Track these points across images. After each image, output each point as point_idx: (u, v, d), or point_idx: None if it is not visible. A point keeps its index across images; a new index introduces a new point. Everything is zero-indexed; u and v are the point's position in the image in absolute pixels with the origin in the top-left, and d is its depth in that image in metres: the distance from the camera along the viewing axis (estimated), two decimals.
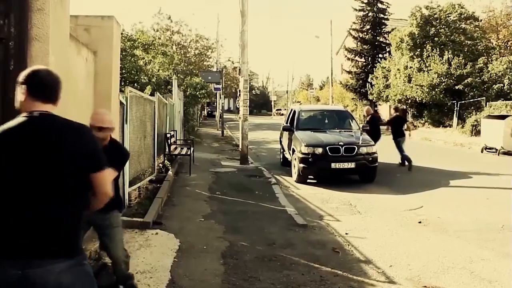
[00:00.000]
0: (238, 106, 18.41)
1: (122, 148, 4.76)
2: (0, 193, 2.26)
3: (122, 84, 10.47)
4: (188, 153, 13.65)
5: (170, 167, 12.47)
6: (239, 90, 16.59)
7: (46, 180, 2.28)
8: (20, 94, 2.43)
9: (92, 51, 6.22)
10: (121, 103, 7.30)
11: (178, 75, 22.87)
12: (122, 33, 17.24)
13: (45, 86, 2.47)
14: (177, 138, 16.64)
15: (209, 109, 60.29)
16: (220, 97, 36.11)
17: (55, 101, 2.49)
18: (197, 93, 25.83)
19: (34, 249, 2.23)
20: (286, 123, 14.47)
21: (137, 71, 14.91)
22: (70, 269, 2.29)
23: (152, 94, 11.79)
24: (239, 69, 15.81)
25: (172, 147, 13.87)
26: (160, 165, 12.38)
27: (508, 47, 32.60)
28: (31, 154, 2.27)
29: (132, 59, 14.79)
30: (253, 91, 78.19)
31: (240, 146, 15.64)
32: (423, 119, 33.12)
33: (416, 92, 30.75)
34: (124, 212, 7.36)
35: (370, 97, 37.98)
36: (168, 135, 13.52)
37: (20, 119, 2.35)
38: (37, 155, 2.27)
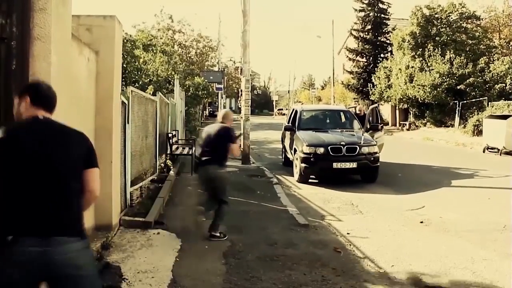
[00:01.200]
0: (239, 106, 18.39)
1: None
2: (24, 180, 2.53)
3: (124, 84, 10.49)
4: (190, 152, 13.65)
5: (172, 167, 12.47)
6: (241, 90, 16.58)
7: (62, 169, 2.63)
8: (22, 102, 2.76)
9: (94, 50, 6.22)
10: (122, 102, 7.30)
11: (180, 74, 22.87)
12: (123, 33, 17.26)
13: (48, 97, 2.82)
14: (179, 138, 16.65)
15: (210, 109, 60.29)
16: (222, 97, 36.09)
17: (53, 111, 2.83)
18: (199, 92, 25.85)
19: (54, 227, 2.51)
20: (288, 123, 14.45)
21: (138, 71, 14.92)
22: (83, 249, 2.60)
23: (154, 94, 11.80)
24: (241, 69, 15.81)
25: (174, 147, 13.86)
26: (162, 164, 12.38)
27: (510, 47, 32.53)
28: (46, 149, 2.61)
29: (133, 59, 14.80)
30: (254, 91, 78.30)
31: (242, 146, 15.63)
32: (425, 119, 33.10)
33: (418, 92, 30.71)
34: (125, 212, 7.41)
35: (372, 97, 37.94)
36: (170, 135, 13.53)
37: (30, 120, 2.71)
38: (50, 151, 2.62)
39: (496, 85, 27.67)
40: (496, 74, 28.08)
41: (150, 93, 11.82)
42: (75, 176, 2.68)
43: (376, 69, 38.20)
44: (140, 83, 14.89)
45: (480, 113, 25.87)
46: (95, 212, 6.25)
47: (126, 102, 7.57)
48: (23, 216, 2.48)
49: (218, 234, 6.61)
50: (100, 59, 6.36)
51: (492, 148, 18.26)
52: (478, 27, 32.28)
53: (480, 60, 29.53)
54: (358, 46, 43.62)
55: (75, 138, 2.79)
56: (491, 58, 30.13)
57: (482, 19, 33.26)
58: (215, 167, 6.72)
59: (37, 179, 2.55)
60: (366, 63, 43.13)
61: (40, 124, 2.69)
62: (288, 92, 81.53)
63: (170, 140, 13.38)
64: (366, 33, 43.34)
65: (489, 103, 26.42)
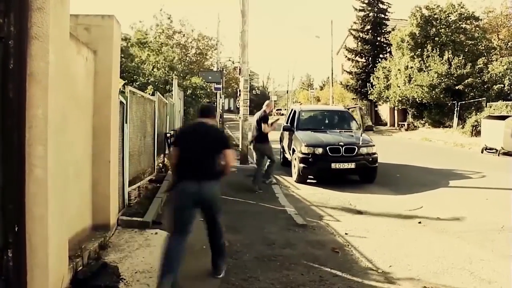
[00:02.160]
0: (238, 106, 18.39)
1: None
2: (190, 152, 4.96)
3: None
4: None
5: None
6: (239, 90, 16.60)
7: (210, 147, 5.02)
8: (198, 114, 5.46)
9: (92, 50, 6.21)
10: (121, 102, 7.30)
11: (178, 74, 22.87)
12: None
13: (203, 111, 5.42)
14: None
15: None
16: (221, 97, 36.03)
17: (209, 117, 5.32)
18: (197, 92, 25.84)
19: (204, 176, 4.91)
20: (287, 123, 14.44)
21: (136, 71, 14.93)
22: (217, 187, 5.07)
23: (152, 94, 11.78)
24: (239, 69, 15.80)
25: None
26: (160, 164, 12.38)
27: (508, 48, 32.57)
28: (203, 136, 5.08)
29: (130, 58, 14.80)
30: (253, 91, 78.33)
31: (240, 146, 15.64)
32: (424, 119, 33.13)
33: (417, 92, 30.75)
34: (123, 211, 7.40)
35: (370, 97, 37.99)
36: (168, 135, 13.49)
37: (199, 123, 5.30)
38: (205, 137, 5.07)
39: (494, 86, 27.71)
40: (494, 75, 28.12)
41: (149, 93, 11.81)
42: (215, 152, 5.04)
43: (375, 69, 38.24)
44: (138, 82, 14.90)
45: (478, 113, 25.91)
46: (93, 212, 6.25)
47: (124, 101, 7.57)
48: (189, 170, 4.91)
49: (269, 181, 11.19)
50: (98, 58, 6.35)
51: (490, 149, 18.28)
52: (477, 28, 32.31)
53: (478, 60, 29.57)
54: (357, 46, 43.65)
55: (214, 132, 5.25)
56: (489, 59, 30.17)
57: (481, 20, 33.29)
58: (259, 143, 10.95)
59: (196, 152, 4.96)
60: (365, 63, 43.16)
61: (200, 124, 5.25)
62: (287, 92, 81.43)
63: (169, 140, 13.33)
64: (366, 33, 43.37)
65: (488, 103, 26.48)
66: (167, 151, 13.22)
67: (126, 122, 7.68)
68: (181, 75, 25.03)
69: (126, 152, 7.72)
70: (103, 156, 6.33)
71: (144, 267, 5.32)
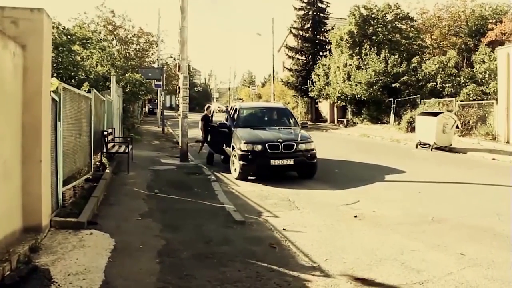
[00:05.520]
0: (178, 103, 18.16)
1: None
2: None
3: (59, 80, 10.13)
4: (126, 151, 13.38)
5: (108, 166, 12.18)
6: (179, 87, 16.43)
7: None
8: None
9: (20, 45, 5.97)
10: (53, 99, 7.05)
11: (118, 70, 22.36)
12: (59, 27, 16.69)
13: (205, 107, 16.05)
14: (116, 136, 16.28)
15: (150, 106, 59.50)
16: (161, 94, 35.60)
17: (205, 110, 15.25)
18: (137, 89, 25.38)
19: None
20: (226, 120, 14.45)
21: (74, 67, 14.48)
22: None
23: (88, 91, 11.47)
24: (179, 66, 15.65)
25: (110, 145, 13.53)
26: (98, 163, 12.07)
27: (440, 47, 33.89)
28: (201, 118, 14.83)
29: (69, 54, 14.35)
30: (195, 88, 77.92)
31: (180, 144, 15.51)
32: (362, 116, 33.95)
33: (355, 89, 31.49)
34: (57, 212, 7.17)
35: (311, 94, 38.57)
36: (106, 133, 13.18)
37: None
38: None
39: (428, 84, 28.73)
40: (428, 73, 29.16)
41: (85, 90, 11.48)
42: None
43: (315, 66, 38.87)
44: (76, 79, 14.47)
45: (413, 110, 26.80)
46: (23, 213, 6.01)
47: (57, 99, 7.33)
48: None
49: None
50: (27, 53, 6.11)
51: (424, 144, 18.97)
52: (412, 28, 33.44)
53: (413, 59, 30.60)
54: (298, 44, 44.12)
55: (204, 116, 14.74)
56: (423, 58, 31.31)
57: (415, 20, 34.47)
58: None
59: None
60: (305, 61, 43.69)
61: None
62: (229, 89, 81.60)
63: (106, 138, 13.03)
64: (306, 32, 43.90)
65: (422, 100, 27.45)
66: (104, 149, 12.92)
67: (60, 120, 7.43)
68: (120, 71, 24.43)
69: (60, 151, 7.48)
70: (34, 155, 6.11)
71: (78, 269, 5.17)
